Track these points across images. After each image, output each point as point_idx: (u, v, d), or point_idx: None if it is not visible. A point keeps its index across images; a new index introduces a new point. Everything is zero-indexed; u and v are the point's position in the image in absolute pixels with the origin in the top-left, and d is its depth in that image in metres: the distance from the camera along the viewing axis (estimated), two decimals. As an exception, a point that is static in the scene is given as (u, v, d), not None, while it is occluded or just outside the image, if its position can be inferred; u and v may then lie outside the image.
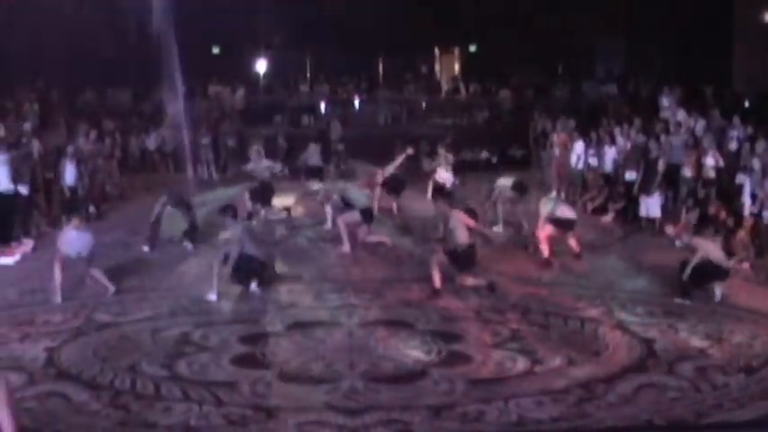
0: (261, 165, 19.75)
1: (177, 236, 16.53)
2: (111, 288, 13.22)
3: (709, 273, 12.63)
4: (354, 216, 16.30)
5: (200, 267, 14.77)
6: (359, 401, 9.11)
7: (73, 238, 13.21)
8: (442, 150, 20.60)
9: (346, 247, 15.99)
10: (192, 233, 16.52)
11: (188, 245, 16.31)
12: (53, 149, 19.70)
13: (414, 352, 10.53)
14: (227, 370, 10.07)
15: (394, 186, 19.53)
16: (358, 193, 17.40)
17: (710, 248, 12.79)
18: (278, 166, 21.22)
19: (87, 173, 19.27)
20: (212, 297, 12.80)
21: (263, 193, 19.23)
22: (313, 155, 23.59)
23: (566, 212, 15.35)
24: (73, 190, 18.00)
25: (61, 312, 12.21)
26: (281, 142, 27.45)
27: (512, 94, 32.41)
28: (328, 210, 17.88)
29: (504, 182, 18.06)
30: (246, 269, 13.18)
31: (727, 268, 12.88)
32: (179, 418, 8.72)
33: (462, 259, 13.41)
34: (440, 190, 18.79)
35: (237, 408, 8.96)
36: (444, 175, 19.33)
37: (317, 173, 22.55)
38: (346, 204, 16.61)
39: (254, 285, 13.21)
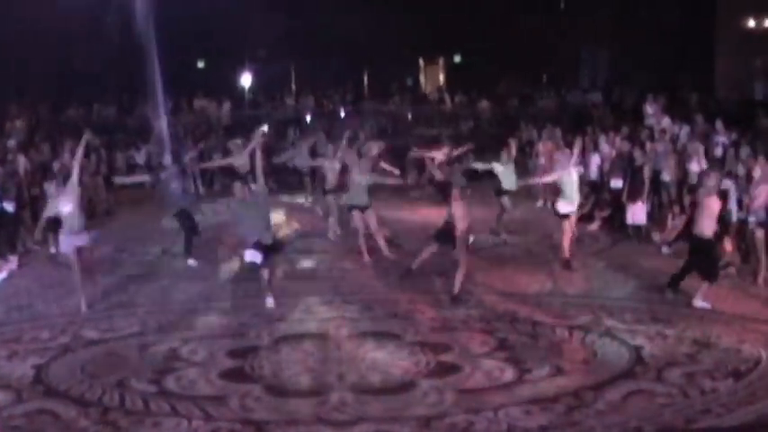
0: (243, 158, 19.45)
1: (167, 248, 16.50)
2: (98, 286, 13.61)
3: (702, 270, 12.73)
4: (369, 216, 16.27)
5: (189, 281, 14.78)
6: (348, 413, 9.10)
7: (70, 239, 13.35)
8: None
9: (366, 257, 16.05)
10: (188, 246, 16.30)
11: (192, 262, 16.09)
12: (39, 166, 19.64)
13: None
14: (216, 384, 10.05)
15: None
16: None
17: None
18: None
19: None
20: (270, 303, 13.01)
21: None
22: (301, 154, 23.06)
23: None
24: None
25: (48, 329, 12.15)
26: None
27: (493, 104, 32.48)
28: (332, 221, 18.02)
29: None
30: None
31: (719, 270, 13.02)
32: (168, 434, 8.71)
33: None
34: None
35: (227, 422, 8.94)
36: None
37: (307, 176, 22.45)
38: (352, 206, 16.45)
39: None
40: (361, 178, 16.36)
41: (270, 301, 13.00)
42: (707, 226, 12.56)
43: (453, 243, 13.45)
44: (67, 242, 13.39)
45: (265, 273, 13.10)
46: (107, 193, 23.15)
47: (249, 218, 13.14)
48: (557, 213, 15.73)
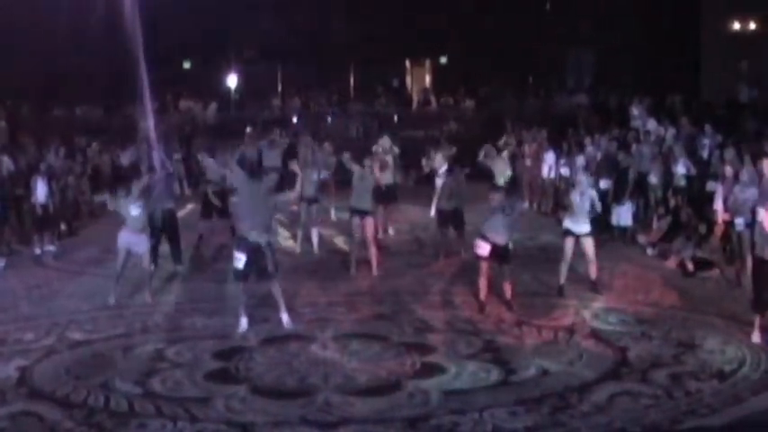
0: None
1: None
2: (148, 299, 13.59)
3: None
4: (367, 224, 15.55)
5: (174, 282, 14.77)
6: (334, 415, 9.08)
7: (130, 236, 13.61)
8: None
9: (375, 269, 15.42)
10: (177, 252, 15.93)
11: (178, 267, 15.80)
12: (24, 167, 19.58)
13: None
14: (202, 386, 10.01)
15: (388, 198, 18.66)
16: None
17: None
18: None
19: (58, 190, 19.14)
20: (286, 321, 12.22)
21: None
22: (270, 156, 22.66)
23: None
24: (44, 207, 17.86)
25: (33, 331, 12.09)
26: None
27: (479, 106, 32.54)
28: (315, 234, 17.39)
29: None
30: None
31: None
32: (153, 435, 8.69)
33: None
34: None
35: (212, 423, 8.89)
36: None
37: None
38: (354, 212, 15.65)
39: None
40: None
41: (286, 319, 12.15)
42: None
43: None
44: (126, 240, 13.63)
45: (276, 288, 12.23)
46: (93, 194, 23.05)
47: (248, 215, 12.17)
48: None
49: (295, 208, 18.20)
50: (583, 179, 14.37)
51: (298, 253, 16.96)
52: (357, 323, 12.42)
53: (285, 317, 12.16)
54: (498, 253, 12.85)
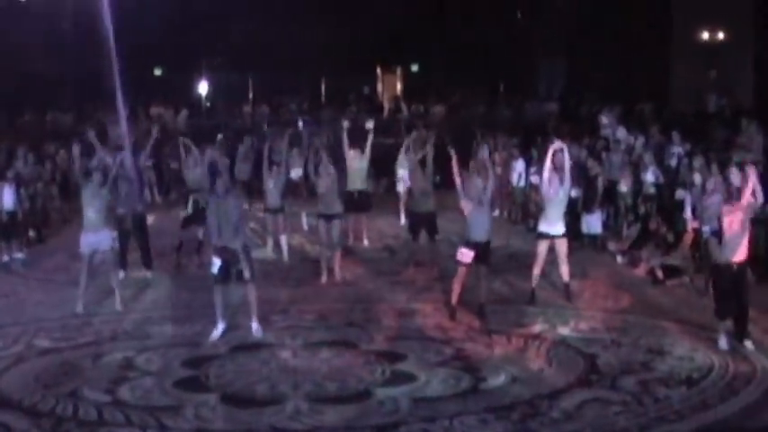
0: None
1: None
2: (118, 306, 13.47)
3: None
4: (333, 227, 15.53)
5: (144, 290, 14.72)
6: (303, 423, 9.07)
7: (91, 237, 13.50)
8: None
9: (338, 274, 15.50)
10: (147, 258, 15.86)
11: (148, 273, 15.69)
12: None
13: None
14: (171, 394, 9.97)
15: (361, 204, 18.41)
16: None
17: None
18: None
19: (27, 197, 19.00)
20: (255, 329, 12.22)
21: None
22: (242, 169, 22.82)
23: None
24: (12, 214, 17.71)
25: (1, 339, 12.00)
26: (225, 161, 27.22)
27: (449, 113, 32.60)
28: (283, 242, 17.24)
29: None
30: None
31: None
32: (122, 444, 8.64)
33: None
34: None
35: (181, 432, 8.89)
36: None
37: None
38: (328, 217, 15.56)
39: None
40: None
41: (255, 327, 12.19)
42: None
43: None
44: (89, 242, 13.63)
45: (252, 295, 12.24)
46: (62, 201, 22.89)
47: (217, 221, 12.18)
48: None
49: (261, 215, 18.22)
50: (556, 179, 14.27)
51: (269, 260, 16.90)
52: (327, 331, 12.41)
53: (255, 325, 12.16)
54: (479, 253, 12.87)
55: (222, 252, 12.04)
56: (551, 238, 13.90)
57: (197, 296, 14.02)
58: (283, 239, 17.34)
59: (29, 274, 16.44)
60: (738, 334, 11.31)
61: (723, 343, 11.23)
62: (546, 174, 13.82)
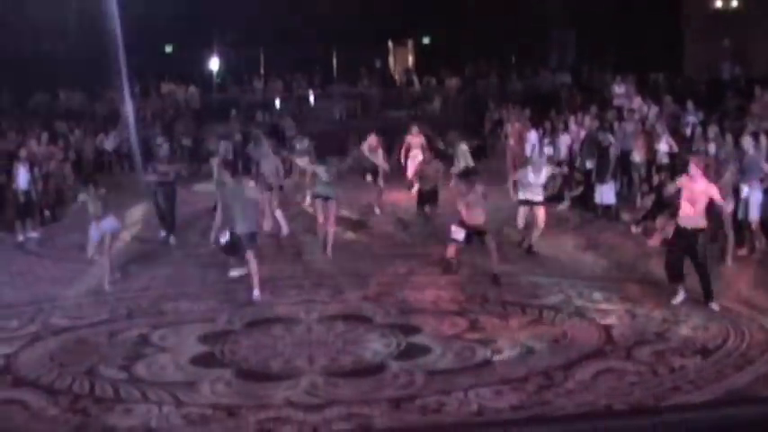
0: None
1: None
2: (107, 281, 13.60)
3: None
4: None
5: (158, 267, 14.76)
6: (319, 397, 9.11)
7: (100, 225, 13.71)
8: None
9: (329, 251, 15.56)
10: (171, 224, 16.82)
11: (171, 238, 16.69)
12: (5, 153, 19.47)
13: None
14: (187, 370, 10.02)
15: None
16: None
17: None
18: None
19: (41, 176, 19.04)
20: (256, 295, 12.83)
21: None
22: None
23: None
24: (26, 194, 17.76)
25: (17, 318, 12.05)
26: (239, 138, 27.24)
27: (462, 84, 32.52)
28: (279, 214, 17.22)
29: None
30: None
31: None
32: (139, 420, 8.68)
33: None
34: None
35: (197, 407, 8.92)
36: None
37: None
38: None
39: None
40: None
41: (256, 294, 12.71)
42: None
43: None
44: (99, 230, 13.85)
45: (252, 263, 12.76)
46: (75, 179, 22.93)
47: (229, 204, 13.22)
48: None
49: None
50: (537, 159, 16.20)
51: (283, 235, 16.90)
52: (342, 304, 12.43)
53: (256, 292, 12.74)
54: (474, 234, 13.53)
55: (231, 235, 12.93)
56: (531, 204, 15.26)
57: (210, 272, 14.07)
58: (279, 213, 17.28)
59: (44, 253, 16.48)
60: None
61: (680, 296, 11.93)
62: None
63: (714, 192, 11.88)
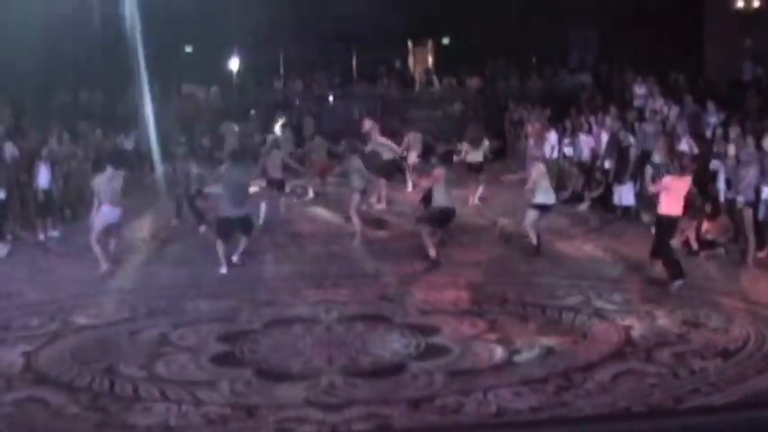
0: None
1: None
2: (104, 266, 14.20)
3: None
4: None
5: (178, 266, 14.80)
6: (338, 397, 9.12)
7: (106, 213, 14.39)
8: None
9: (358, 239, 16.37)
10: (199, 218, 17.50)
11: (201, 227, 17.27)
12: (27, 152, 19.54)
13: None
14: (206, 369, 10.05)
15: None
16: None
17: None
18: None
19: (62, 175, 19.11)
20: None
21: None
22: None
23: None
24: (47, 193, 17.84)
25: (38, 316, 12.10)
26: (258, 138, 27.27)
27: (483, 84, 32.49)
28: (261, 208, 17.88)
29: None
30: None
31: None
32: (158, 419, 8.72)
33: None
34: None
35: (217, 407, 8.95)
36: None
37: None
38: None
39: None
40: None
41: (236, 258, 14.43)
42: None
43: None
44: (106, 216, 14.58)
45: (244, 243, 14.48)
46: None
47: (227, 191, 14.37)
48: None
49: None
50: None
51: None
52: (361, 305, 12.43)
53: (237, 256, 14.53)
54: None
55: (227, 219, 14.39)
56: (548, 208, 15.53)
57: (230, 272, 14.10)
58: (262, 206, 17.93)
59: (64, 252, 16.54)
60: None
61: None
62: None
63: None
